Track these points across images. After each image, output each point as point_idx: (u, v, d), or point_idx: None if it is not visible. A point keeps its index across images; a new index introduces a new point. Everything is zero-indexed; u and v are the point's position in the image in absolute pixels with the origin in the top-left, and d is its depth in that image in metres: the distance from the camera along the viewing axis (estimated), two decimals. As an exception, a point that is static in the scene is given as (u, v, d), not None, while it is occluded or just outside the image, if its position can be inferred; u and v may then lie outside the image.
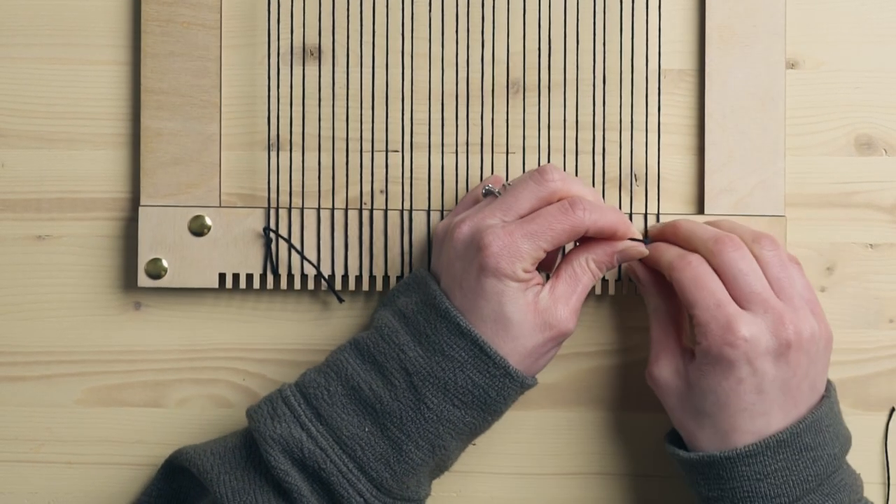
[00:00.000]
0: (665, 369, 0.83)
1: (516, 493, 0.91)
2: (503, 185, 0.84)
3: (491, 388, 0.80)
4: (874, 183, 0.90)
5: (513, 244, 0.80)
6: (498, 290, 0.80)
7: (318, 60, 0.90)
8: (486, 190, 0.84)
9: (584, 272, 0.82)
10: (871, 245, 0.90)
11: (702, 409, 0.81)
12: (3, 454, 0.90)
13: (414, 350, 0.80)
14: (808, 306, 0.82)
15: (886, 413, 0.88)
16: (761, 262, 0.82)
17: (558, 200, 0.81)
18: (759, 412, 0.80)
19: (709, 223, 0.86)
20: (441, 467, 0.83)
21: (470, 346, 0.80)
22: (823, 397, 0.83)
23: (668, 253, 0.83)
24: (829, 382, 0.84)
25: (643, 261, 0.84)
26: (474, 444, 0.88)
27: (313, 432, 0.80)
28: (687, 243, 0.84)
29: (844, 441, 0.83)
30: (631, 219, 0.88)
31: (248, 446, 0.82)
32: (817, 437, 0.81)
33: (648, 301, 0.86)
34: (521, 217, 0.81)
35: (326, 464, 0.79)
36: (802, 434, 0.80)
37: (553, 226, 0.80)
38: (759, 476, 0.80)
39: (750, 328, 0.79)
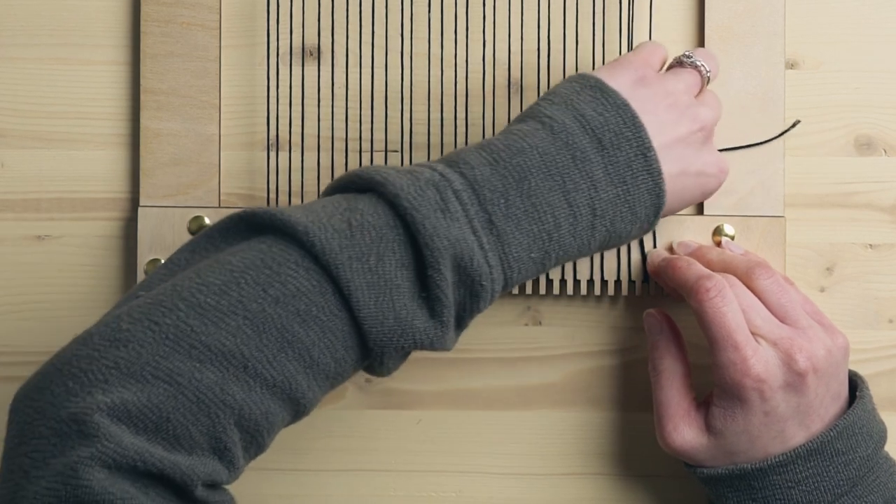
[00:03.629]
0: (687, 433, 0.83)
1: (516, 493, 0.91)
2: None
3: (627, 239, 0.80)
4: (874, 183, 0.90)
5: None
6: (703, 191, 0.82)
7: (317, 60, 0.90)
8: (687, 60, 0.83)
9: None
10: (870, 245, 0.90)
11: (736, 450, 0.82)
12: (3, 454, 0.91)
13: (607, 191, 0.76)
14: (814, 320, 0.82)
15: (888, 413, 0.88)
16: (759, 292, 0.82)
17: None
18: (789, 435, 0.81)
19: (700, 254, 0.86)
20: None
21: (653, 210, 0.78)
22: (857, 398, 0.83)
23: (689, 274, 0.84)
24: (860, 380, 0.85)
25: (662, 317, 0.86)
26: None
27: (485, 244, 0.73)
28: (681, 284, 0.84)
29: (878, 439, 0.83)
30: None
31: (382, 228, 0.72)
32: (849, 442, 0.81)
33: (660, 362, 0.85)
34: None
35: (487, 281, 0.73)
36: (833, 441, 0.81)
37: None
38: (790, 484, 0.81)
39: (764, 367, 0.80)
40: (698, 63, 0.82)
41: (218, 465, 0.69)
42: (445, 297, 0.72)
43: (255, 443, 0.71)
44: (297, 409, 0.72)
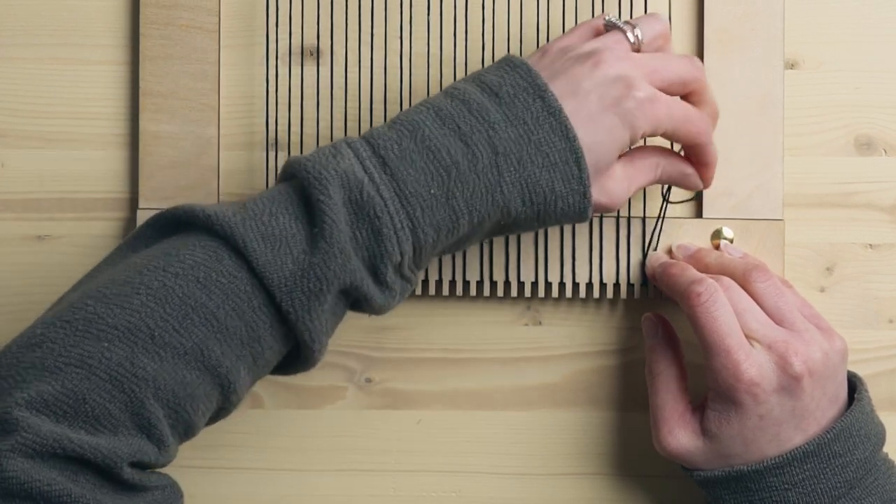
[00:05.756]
0: (683, 436, 0.83)
1: (516, 493, 0.91)
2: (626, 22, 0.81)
3: (561, 200, 0.77)
4: (874, 183, 0.90)
5: (655, 112, 0.78)
6: (619, 124, 0.77)
7: (316, 61, 0.90)
8: (609, 22, 0.81)
9: (651, 169, 0.82)
10: (870, 245, 0.90)
11: (731, 453, 0.82)
12: (4, 455, 0.91)
13: (506, 132, 0.76)
14: (812, 323, 0.82)
15: (887, 413, 0.88)
16: (756, 295, 0.82)
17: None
18: (785, 438, 0.81)
19: (698, 257, 0.86)
20: (456, 248, 0.79)
21: (568, 154, 0.76)
22: (855, 401, 0.83)
23: (682, 280, 0.84)
24: (858, 382, 0.85)
25: (659, 325, 0.87)
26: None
27: (376, 179, 0.73)
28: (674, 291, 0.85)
29: (877, 441, 0.83)
30: (630, 221, 0.88)
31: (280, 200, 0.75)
32: (846, 444, 0.81)
33: (656, 366, 0.86)
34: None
35: (384, 214, 0.73)
36: (830, 443, 0.81)
37: (674, 66, 0.80)
38: (787, 486, 0.81)
39: (758, 370, 0.80)
40: (619, 25, 0.81)
41: (146, 443, 0.70)
42: (335, 222, 0.72)
43: (181, 420, 0.72)
44: (221, 384, 0.73)
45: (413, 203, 0.74)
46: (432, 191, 0.74)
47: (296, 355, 0.77)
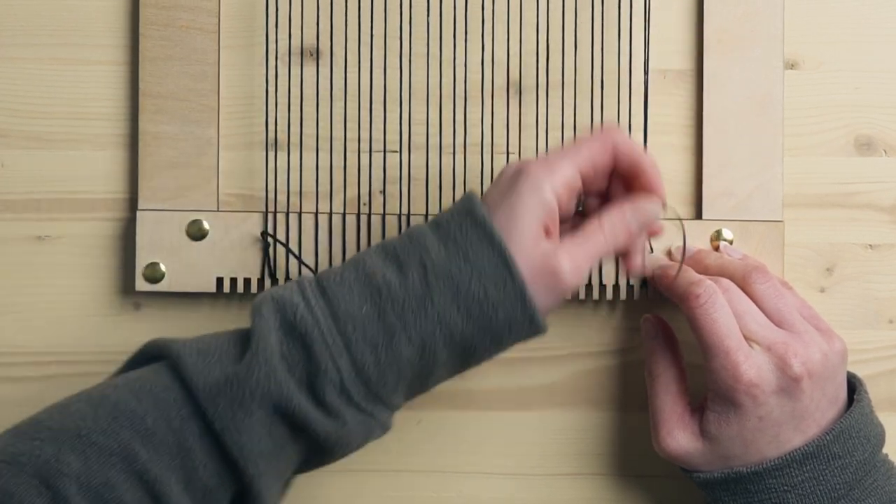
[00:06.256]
0: (682, 438, 0.83)
1: (516, 494, 0.91)
2: None
3: (500, 307, 0.75)
4: (874, 183, 0.90)
5: (550, 161, 0.77)
6: (523, 192, 0.76)
7: (316, 61, 0.90)
8: None
9: (596, 230, 0.78)
10: (870, 245, 0.90)
11: (730, 454, 0.82)
12: (4, 455, 0.91)
13: (437, 250, 0.76)
14: (811, 325, 0.82)
15: (887, 414, 0.88)
16: (755, 296, 0.82)
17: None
18: (784, 440, 0.81)
19: (697, 258, 0.86)
20: (422, 383, 0.79)
21: (496, 258, 0.75)
22: (854, 402, 0.83)
23: (680, 281, 0.84)
24: (858, 383, 0.85)
25: (657, 326, 0.87)
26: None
27: (311, 302, 0.75)
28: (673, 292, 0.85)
29: (876, 442, 0.83)
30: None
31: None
32: (845, 445, 0.81)
33: (655, 368, 0.86)
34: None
35: (314, 331, 0.74)
36: (829, 445, 0.81)
37: (588, 143, 0.79)
38: (786, 487, 0.81)
39: (757, 372, 0.80)
40: None
41: None
42: (263, 337, 0.74)
43: None
44: (151, 492, 0.72)
45: (345, 320, 0.75)
46: (364, 309, 0.75)
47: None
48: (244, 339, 0.76)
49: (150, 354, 0.77)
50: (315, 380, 0.74)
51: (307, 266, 0.88)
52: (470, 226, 0.76)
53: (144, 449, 0.72)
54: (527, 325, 0.76)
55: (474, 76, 0.89)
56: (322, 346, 0.74)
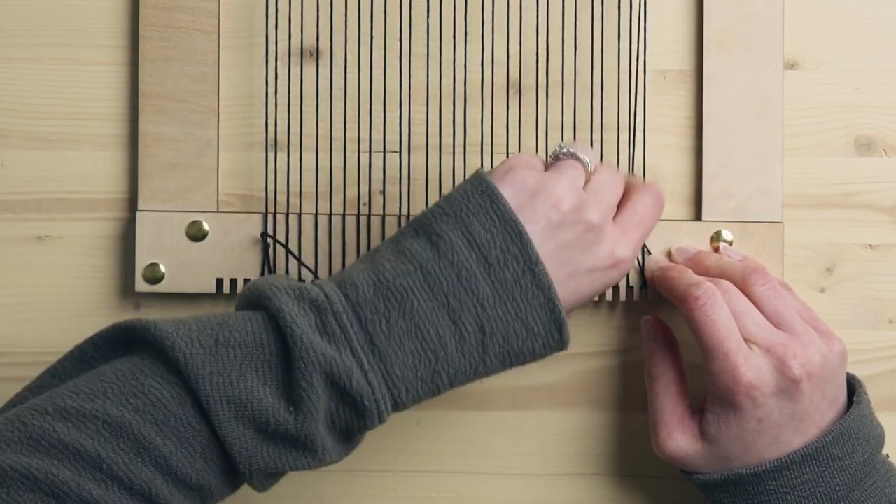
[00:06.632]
0: (681, 440, 0.83)
1: (515, 494, 0.91)
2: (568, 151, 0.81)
3: (538, 356, 0.77)
4: (874, 183, 0.90)
5: (636, 251, 0.80)
6: (608, 283, 0.79)
7: (316, 61, 0.89)
8: (563, 152, 0.81)
9: None
10: (870, 246, 0.90)
11: (730, 456, 0.82)
12: (4, 455, 0.91)
13: (495, 309, 0.75)
14: (811, 326, 0.82)
15: (887, 414, 0.88)
16: (755, 298, 0.82)
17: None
18: (784, 441, 0.81)
19: (697, 259, 0.86)
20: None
21: (552, 325, 0.76)
22: (853, 403, 0.83)
23: (680, 283, 0.84)
24: (857, 384, 0.85)
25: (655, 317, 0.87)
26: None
27: (364, 364, 0.73)
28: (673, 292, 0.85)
29: (876, 443, 0.83)
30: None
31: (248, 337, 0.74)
32: (844, 447, 0.81)
33: (655, 370, 0.86)
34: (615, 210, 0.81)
35: (370, 401, 0.73)
36: (829, 446, 0.81)
37: (653, 217, 0.82)
38: (785, 489, 0.81)
39: (756, 373, 0.80)
40: (579, 155, 0.80)
41: None
42: (314, 410, 0.72)
43: None
44: None
45: (399, 386, 0.74)
46: (419, 373, 0.74)
47: None
48: (276, 381, 0.73)
49: (133, 338, 0.74)
50: (355, 430, 0.75)
51: (307, 267, 0.88)
52: (531, 287, 0.75)
53: (166, 485, 0.71)
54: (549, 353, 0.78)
55: (474, 76, 0.89)
56: (374, 416, 0.74)
